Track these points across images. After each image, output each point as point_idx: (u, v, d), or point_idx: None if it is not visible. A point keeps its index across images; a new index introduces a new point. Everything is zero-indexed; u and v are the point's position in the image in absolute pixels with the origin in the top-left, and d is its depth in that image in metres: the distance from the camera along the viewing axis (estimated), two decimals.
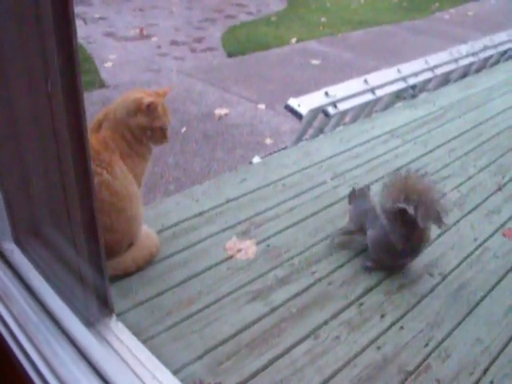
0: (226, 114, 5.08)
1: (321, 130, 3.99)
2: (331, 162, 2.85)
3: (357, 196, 2.25)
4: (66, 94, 1.15)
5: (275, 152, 3.94)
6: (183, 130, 4.72)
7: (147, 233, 2.03)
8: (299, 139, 3.96)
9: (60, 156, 1.19)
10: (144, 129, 1.83)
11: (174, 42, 7.26)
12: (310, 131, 3.95)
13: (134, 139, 1.84)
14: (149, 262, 1.98)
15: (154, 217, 2.24)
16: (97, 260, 1.36)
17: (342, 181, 2.67)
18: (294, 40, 7.55)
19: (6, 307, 1.16)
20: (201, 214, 2.31)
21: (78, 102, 1.18)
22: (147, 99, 1.81)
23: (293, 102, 3.68)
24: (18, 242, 1.28)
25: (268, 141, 4.63)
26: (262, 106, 5.32)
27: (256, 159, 3.79)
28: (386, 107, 4.54)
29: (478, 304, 1.98)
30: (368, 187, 2.31)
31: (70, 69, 1.05)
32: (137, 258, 1.94)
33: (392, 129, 3.31)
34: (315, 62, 6.75)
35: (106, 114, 1.84)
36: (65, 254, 1.34)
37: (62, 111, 1.14)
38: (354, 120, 4.18)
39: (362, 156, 2.94)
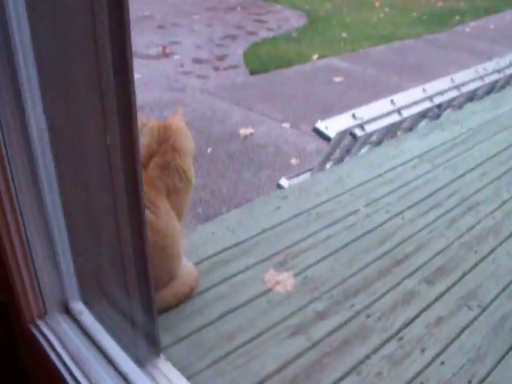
0: (250, 134, 5.11)
1: (348, 152, 3.99)
2: (363, 189, 2.85)
3: None
4: (123, 148, 1.18)
5: (302, 173, 3.96)
6: (209, 150, 4.75)
7: (187, 266, 2.05)
8: (326, 161, 3.96)
9: (116, 208, 1.22)
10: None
11: (196, 60, 7.32)
12: (337, 152, 3.96)
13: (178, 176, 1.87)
14: (189, 295, 2.00)
15: (191, 248, 2.26)
16: (148, 303, 1.38)
17: (375, 208, 2.67)
18: (315, 56, 7.58)
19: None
20: (237, 244, 2.33)
21: (134, 160, 1.21)
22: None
23: (321, 125, 3.69)
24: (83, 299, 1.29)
25: (294, 161, 4.65)
26: (286, 125, 5.34)
27: (283, 181, 3.81)
28: (411, 127, 4.54)
29: None
30: None
31: (128, 126, 1.07)
32: (177, 293, 1.96)
33: (421, 153, 3.30)
34: (338, 79, 6.76)
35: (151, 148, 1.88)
36: (119, 300, 1.36)
37: (120, 168, 1.17)
38: (381, 140, 4.18)
39: (393, 182, 2.94)
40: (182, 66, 7.11)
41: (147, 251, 1.31)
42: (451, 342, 1.92)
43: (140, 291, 1.35)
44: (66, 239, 1.19)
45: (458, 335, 1.96)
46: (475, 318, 2.04)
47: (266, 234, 2.42)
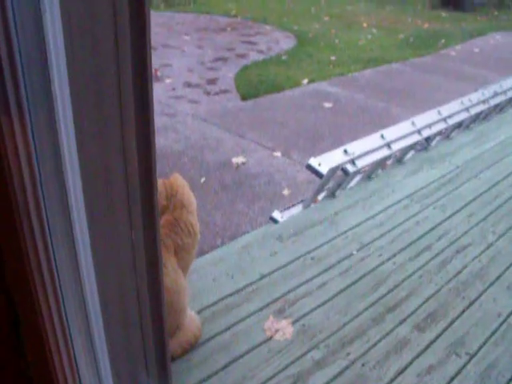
0: (243, 163, 5.21)
1: (339, 186, 4.11)
2: (356, 232, 2.97)
3: None
4: (146, 241, 1.29)
5: (294, 206, 4.07)
6: (202, 180, 4.85)
7: (190, 316, 2.14)
8: (316, 194, 4.08)
9: (138, 288, 1.32)
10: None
11: (188, 84, 7.42)
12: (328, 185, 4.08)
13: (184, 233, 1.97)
14: (193, 344, 2.10)
15: (193, 295, 2.36)
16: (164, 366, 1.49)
17: (368, 252, 2.79)
18: (305, 81, 7.71)
19: None
20: (237, 291, 2.43)
21: (155, 249, 1.32)
22: None
23: (313, 162, 3.81)
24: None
25: (286, 192, 4.76)
26: (277, 154, 5.45)
27: (276, 214, 3.91)
28: (399, 158, 4.68)
29: None
30: None
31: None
32: (183, 343, 2.05)
33: (410, 193, 3.44)
34: (327, 104, 6.89)
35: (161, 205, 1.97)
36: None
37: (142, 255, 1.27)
38: (370, 173, 4.31)
39: (384, 224, 3.06)
40: (173, 89, 7.21)
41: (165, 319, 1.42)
42: None
43: (157, 356, 1.46)
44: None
45: None
46: (464, 366, 2.16)
47: (264, 280, 2.53)
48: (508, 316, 2.44)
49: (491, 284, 2.65)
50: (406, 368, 2.12)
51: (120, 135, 1.12)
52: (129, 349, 1.46)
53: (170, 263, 1.89)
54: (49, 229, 0.99)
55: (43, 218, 0.98)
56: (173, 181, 2.05)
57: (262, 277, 2.54)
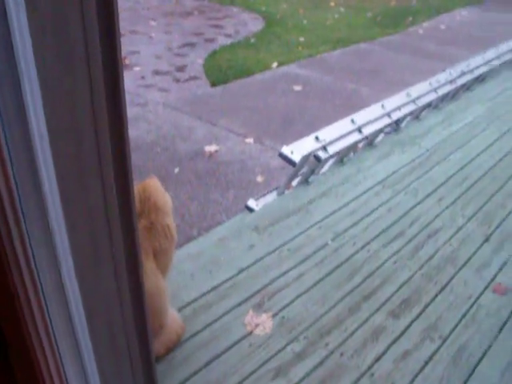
0: (215, 151, 5.24)
1: (312, 172, 4.17)
2: (330, 221, 3.03)
3: None
4: (125, 248, 1.32)
5: (268, 193, 4.12)
6: (176, 170, 4.86)
7: (172, 315, 2.18)
8: (290, 181, 4.13)
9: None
10: None
11: (157, 72, 7.38)
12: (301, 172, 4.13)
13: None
14: (176, 343, 2.14)
15: (173, 292, 2.39)
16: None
17: (342, 241, 2.86)
18: (275, 64, 7.72)
19: None
20: (216, 287, 2.48)
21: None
22: None
23: (286, 150, 3.85)
24: None
25: (259, 178, 4.80)
26: (250, 140, 5.48)
27: (251, 202, 3.96)
28: (370, 142, 4.75)
29: (476, 366, 2.17)
30: None
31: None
32: (166, 342, 2.10)
33: (382, 179, 3.51)
34: (297, 87, 6.93)
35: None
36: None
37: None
38: (342, 157, 4.37)
39: (357, 212, 3.13)
40: (142, 78, 7.16)
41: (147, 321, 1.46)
42: (416, 376, 2.12)
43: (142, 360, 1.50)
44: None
45: (423, 368, 2.16)
46: (437, 350, 2.24)
47: (242, 274, 2.58)
48: (477, 298, 2.53)
49: (461, 267, 2.73)
50: (382, 355, 2.20)
51: (94, 134, 1.10)
52: (115, 353, 1.49)
53: (149, 267, 1.92)
54: (28, 236, 1.00)
55: (22, 227, 0.98)
56: (146, 184, 2.07)
57: (240, 271, 2.59)
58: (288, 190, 3.77)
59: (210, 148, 5.29)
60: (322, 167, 4.23)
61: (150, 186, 2.07)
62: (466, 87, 6.08)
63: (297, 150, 3.93)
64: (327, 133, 4.13)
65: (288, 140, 5.49)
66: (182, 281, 2.51)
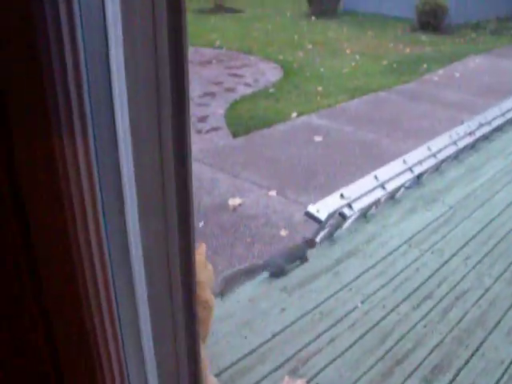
0: (239, 204, 5.33)
1: (337, 228, 4.24)
2: (359, 283, 3.08)
3: None
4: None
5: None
6: (201, 224, 4.95)
7: (212, 381, 2.23)
8: (315, 237, 4.21)
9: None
10: None
11: None
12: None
13: None
14: None
15: (210, 358, 2.45)
16: None
17: (372, 304, 2.90)
18: (294, 114, 7.87)
19: None
20: (251, 352, 2.53)
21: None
22: None
23: (312, 209, 3.94)
24: None
25: (283, 232, 4.87)
26: (273, 193, 5.57)
27: None
28: (392, 196, 4.82)
29: None
30: None
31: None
32: None
33: (408, 238, 3.56)
34: (318, 138, 7.04)
35: None
36: None
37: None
38: (366, 212, 4.44)
39: (385, 273, 3.18)
40: None
41: None
42: None
43: None
44: None
45: None
46: None
47: (276, 338, 2.63)
48: (510, 363, 2.55)
49: (492, 331, 2.76)
50: None
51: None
52: None
53: None
54: (110, 256, 0.95)
55: (103, 244, 0.91)
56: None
57: (274, 335, 2.64)
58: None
59: (234, 201, 5.39)
60: (346, 222, 4.30)
61: (196, 256, 2.14)
62: (485, 137, 6.18)
63: (322, 208, 4.02)
64: (352, 190, 4.22)
65: (310, 192, 5.61)
66: (218, 347, 2.57)
